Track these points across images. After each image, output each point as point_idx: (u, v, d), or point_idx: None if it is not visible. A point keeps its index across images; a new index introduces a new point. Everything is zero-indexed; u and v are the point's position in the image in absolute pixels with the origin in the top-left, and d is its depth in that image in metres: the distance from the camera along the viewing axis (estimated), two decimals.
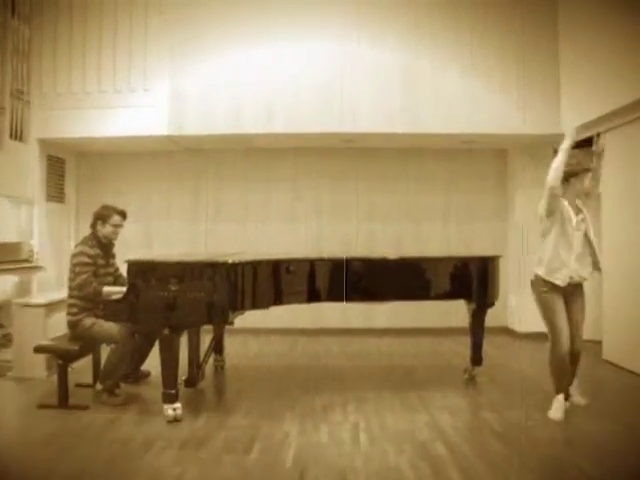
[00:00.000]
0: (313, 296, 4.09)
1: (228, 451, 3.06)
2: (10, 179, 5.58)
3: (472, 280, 4.37)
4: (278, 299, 3.87)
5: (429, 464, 2.88)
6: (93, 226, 4.07)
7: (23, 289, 5.61)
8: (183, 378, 4.10)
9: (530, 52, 5.88)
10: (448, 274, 4.35)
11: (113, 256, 4.22)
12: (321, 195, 6.92)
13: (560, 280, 3.52)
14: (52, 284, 6.00)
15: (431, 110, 5.83)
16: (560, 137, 3.79)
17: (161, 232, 6.90)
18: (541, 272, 3.57)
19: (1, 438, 3.34)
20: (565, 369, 3.57)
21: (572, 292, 3.61)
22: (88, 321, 3.88)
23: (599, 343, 5.29)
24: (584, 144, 4.50)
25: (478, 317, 4.54)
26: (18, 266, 5.54)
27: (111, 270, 4.16)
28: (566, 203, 3.57)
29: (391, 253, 4.67)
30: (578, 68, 5.54)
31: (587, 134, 5.46)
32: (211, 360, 4.71)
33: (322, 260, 4.17)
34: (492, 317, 4.72)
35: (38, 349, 3.95)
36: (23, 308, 4.55)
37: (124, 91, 5.95)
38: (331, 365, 5.19)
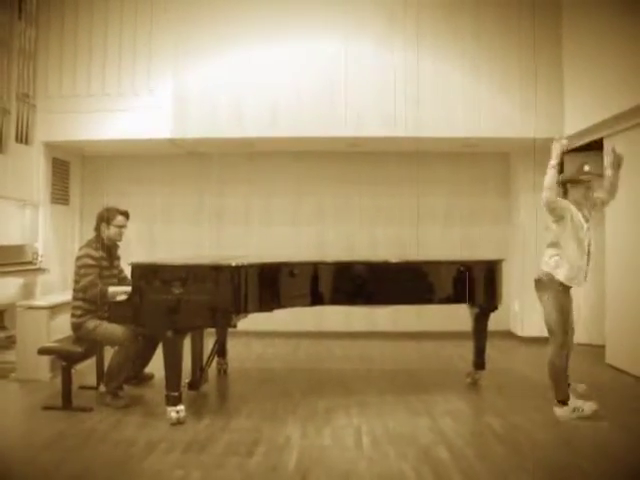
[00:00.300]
0: (316, 299, 4.10)
1: (231, 454, 3.07)
2: (15, 182, 5.62)
3: (475, 284, 4.35)
4: (281, 302, 3.87)
5: (431, 468, 2.88)
6: (97, 229, 4.10)
7: (27, 291, 5.63)
8: (186, 381, 4.11)
9: (533, 55, 5.88)
10: (451, 278, 4.34)
11: (118, 258, 4.24)
12: (324, 198, 6.93)
13: (576, 282, 3.63)
14: (56, 286, 6.03)
15: (434, 114, 5.84)
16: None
17: (164, 235, 6.92)
18: (561, 277, 3.60)
19: (5, 440, 3.36)
20: (565, 370, 3.64)
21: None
22: (92, 323, 3.89)
23: (602, 347, 5.27)
24: (591, 147, 4.46)
25: (481, 321, 4.54)
26: (22, 268, 5.57)
27: (115, 272, 4.18)
28: (575, 209, 3.60)
29: (394, 256, 4.67)
30: (582, 71, 5.54)
31: (590, 138, 5.49)
32: (214, 363, 4.72)
33: (325, 263, 4.17)
34: (495, 321, 4.71)
35: (42, 351, 3.97)
36: (27, 310, 4.57)
37: (128, 94, 5.98)
38: (334, 368, 5.18)
